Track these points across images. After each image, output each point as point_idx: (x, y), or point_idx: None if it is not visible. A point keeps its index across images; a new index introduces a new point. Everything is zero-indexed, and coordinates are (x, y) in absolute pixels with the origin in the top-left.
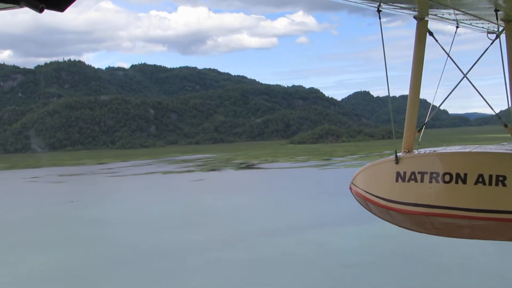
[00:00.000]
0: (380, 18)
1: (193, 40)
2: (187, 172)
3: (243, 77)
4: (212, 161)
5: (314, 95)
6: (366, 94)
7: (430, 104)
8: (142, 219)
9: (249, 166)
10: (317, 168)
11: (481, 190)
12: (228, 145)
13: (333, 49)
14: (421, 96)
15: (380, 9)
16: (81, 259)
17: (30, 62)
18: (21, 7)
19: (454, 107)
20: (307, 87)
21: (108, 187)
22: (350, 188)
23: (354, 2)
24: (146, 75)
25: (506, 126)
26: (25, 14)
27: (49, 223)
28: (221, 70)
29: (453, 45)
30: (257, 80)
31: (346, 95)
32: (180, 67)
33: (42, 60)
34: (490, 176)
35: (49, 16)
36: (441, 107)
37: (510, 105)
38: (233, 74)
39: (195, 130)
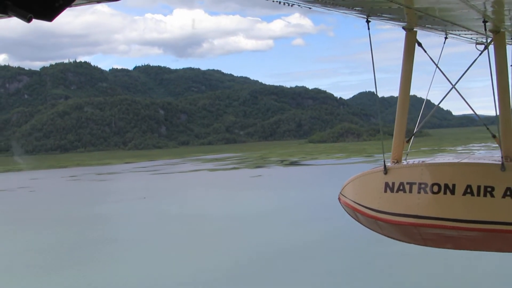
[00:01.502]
0: (369, 29)
1: (189, 43)
2: (233, 170)
3: (247, 78)
4: (246, 159)
5: (323, 95)
6: (371, 94)
7: (434, 104)
8: (262, 215)
9: (293, 163)
10: (369, 163)
11: (469, 200)
12: (242, 145)
13: (329, 51)
14: (425, 97)
15: (369, 19)
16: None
17: (25, 66)
18: (9, 16)
19: (456, 109)
20: (310, 88)
21: (166, 184)
22: (339, 199)
23: (343, 12)
24: (151, 77)
25: (494, 136)
26: None
27: (163, 219)
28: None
29: (443, 50)
30: (260, 81)
31: (348, 97)
32: (184, 68)
33: (37, 64)
34: (479, 187)
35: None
36: (444, 108)
37: (498, 115)
38: (236, 75)
39: (206, 130)
